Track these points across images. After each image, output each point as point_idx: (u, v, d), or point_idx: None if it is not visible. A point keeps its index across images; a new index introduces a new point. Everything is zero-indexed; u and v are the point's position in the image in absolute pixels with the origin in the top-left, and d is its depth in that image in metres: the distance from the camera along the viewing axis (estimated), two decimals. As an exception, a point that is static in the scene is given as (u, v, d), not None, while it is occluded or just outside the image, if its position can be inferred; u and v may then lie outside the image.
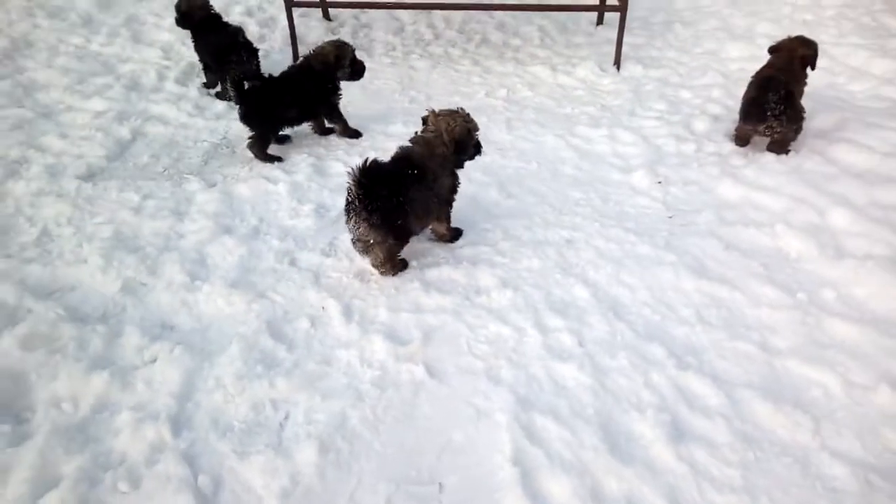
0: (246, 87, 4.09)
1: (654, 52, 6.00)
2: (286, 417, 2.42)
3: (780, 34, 6.10)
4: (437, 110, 3.17)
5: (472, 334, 2.80)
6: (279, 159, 4.26)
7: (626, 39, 5.89)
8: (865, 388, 2.50)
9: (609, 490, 2.16)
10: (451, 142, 3.08)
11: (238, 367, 2.59)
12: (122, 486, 2.15)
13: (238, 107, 4.16)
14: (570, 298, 3.00)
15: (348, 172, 2.84)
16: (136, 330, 2.79)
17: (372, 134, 4.64)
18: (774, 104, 3.84)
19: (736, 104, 4.28)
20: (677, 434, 2.34)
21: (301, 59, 4.45)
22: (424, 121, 3.19)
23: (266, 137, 4.27)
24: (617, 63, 5.67)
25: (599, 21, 6.62)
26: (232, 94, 4.15)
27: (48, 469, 2.19)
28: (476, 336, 2.79)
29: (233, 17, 6.48)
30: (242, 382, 2.53)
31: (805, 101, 4.15)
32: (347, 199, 2.90)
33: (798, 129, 4.03)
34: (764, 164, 4.00)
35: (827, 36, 5.85)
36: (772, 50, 4.28)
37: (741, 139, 4.24)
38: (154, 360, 2.65)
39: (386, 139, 4.50)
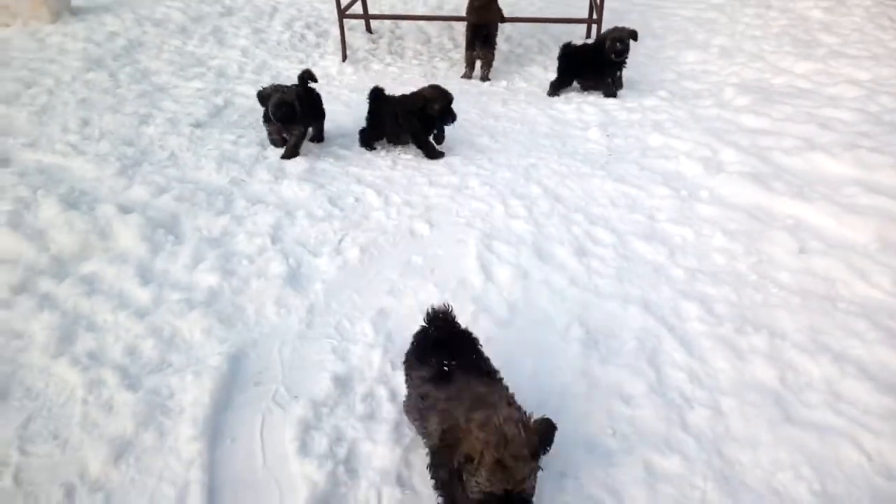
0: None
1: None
2: (341, 239, 3.91)
3: (732, 45, 7.61)
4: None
5: (458, 207, 4.28)
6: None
7: (605, 49, 7.41)
8: (708, 237, 3.90)
9: (533, 275, 3.58)
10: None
11: (310, 218, 4.10)
12: (245, 263, 3.65)
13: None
14: (528, 192, 4.46)
15: None
16: (243, 200, 4.33)
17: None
18: None
19: (683, 92, 5.71)
20: (581, 253, 3.76)
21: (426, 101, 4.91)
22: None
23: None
24: (595, 64, 7.19)
25: (588, 35, 8.18)
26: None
27: (199, 256, 3.70)
28: (461, 208, 4.27)
29: (295, 29, 8.25)
30: (313, 222, 4.04)
31: (731, 88, 5.61)
32: None
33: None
34: (685, 125, 5.44)
35: (768, 46, 7.31)
36: None
37: None
38: (256, 213, 4.18)
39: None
